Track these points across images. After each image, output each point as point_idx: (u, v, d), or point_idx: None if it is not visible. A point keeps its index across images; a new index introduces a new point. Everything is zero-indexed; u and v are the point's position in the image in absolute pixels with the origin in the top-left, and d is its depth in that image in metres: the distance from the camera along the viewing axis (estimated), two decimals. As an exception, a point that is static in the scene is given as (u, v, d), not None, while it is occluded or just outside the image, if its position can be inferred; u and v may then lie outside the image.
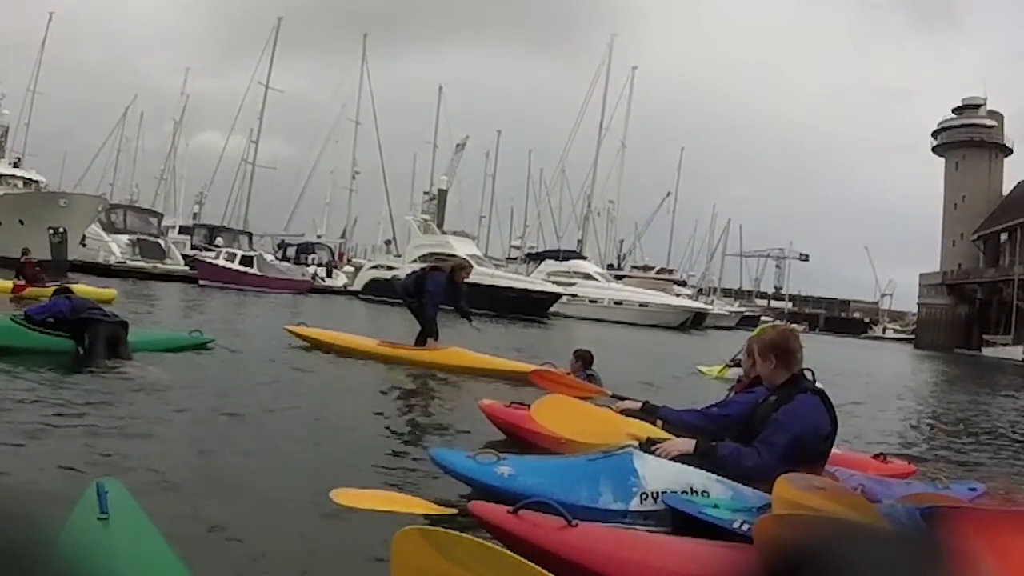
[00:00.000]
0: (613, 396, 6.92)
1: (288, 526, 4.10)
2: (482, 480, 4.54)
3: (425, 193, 69.40)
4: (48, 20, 66.07)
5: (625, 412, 5.74)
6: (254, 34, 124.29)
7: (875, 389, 17.58)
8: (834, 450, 5.20)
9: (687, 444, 4.63)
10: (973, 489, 5.19)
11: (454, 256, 51.91)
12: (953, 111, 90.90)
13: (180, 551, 2.69)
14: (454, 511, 3.53)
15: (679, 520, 4.02)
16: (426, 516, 3.87)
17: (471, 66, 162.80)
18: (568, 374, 9.04)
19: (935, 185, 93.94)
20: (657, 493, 4.23)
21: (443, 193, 66.79)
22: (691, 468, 4.39)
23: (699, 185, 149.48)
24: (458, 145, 78.21)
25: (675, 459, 4.50)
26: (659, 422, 5.49)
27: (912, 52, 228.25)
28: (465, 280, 12.30)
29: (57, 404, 6.51)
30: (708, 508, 3.96)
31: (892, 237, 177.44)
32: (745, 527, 3.57)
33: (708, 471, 4.36)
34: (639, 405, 5.80)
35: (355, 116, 72.01)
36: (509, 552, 2.59)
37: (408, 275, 13.08)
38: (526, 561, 2.56)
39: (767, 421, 4.50)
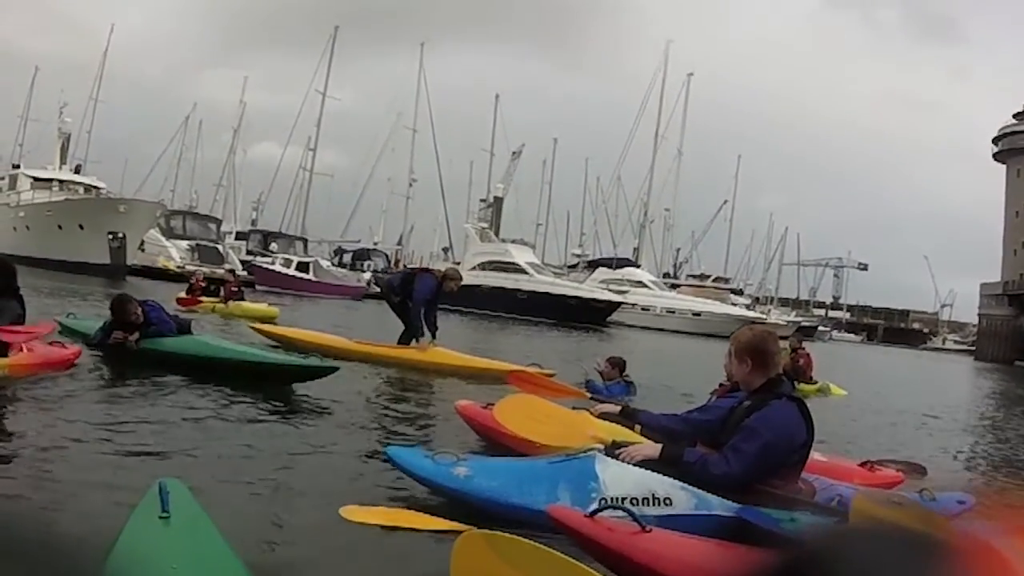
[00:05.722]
0: (592, 399, 6.78)
1: (313, 538, 3.98)
2: (438, 481, 4.45)
3: (482, 200, 69.83)
4: (110, 31, 67.61)
5: (603, 416, 5.60)
6: (306, 49, 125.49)
7: (918, 400, 17.12)
8: (819, 457, 5.08)
9: (653, 449, 4.51)
10: (961, 502, 5.00)
11: (513, 264, 52.58)
12: (1015, 116, 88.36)
13: (241, 551, 2.76)
14: (468, 527, 3.46)
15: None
16: (437, 532, 3.84)
17: (528, 76, 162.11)
18: (553, 377, 8.80)
19: (996, 193, 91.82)
20: (617, 499, 4.13)
21: (499, 201, 66.94)
22: (654, 474, 4.25)
23: (757, 193, 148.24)
24: (514, 153, 78.26)
25: (641, 464, 4.37)
26: (637, 427, 5.36)
27: (926, 64, 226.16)
28: (454, 291, 12.22)
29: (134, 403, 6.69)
30: (785, 522, 3.88)
31: (953, 246, 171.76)
32: None
33: (675, 478, 4.23)
34: (618, 408, 5.67)
35: (412, 124, 72.63)
36: (567, 557, 2.62)
37: (395, 274, 13.00)
38: (583, 566, 2.59)
39: (739, 427, 4.37)
